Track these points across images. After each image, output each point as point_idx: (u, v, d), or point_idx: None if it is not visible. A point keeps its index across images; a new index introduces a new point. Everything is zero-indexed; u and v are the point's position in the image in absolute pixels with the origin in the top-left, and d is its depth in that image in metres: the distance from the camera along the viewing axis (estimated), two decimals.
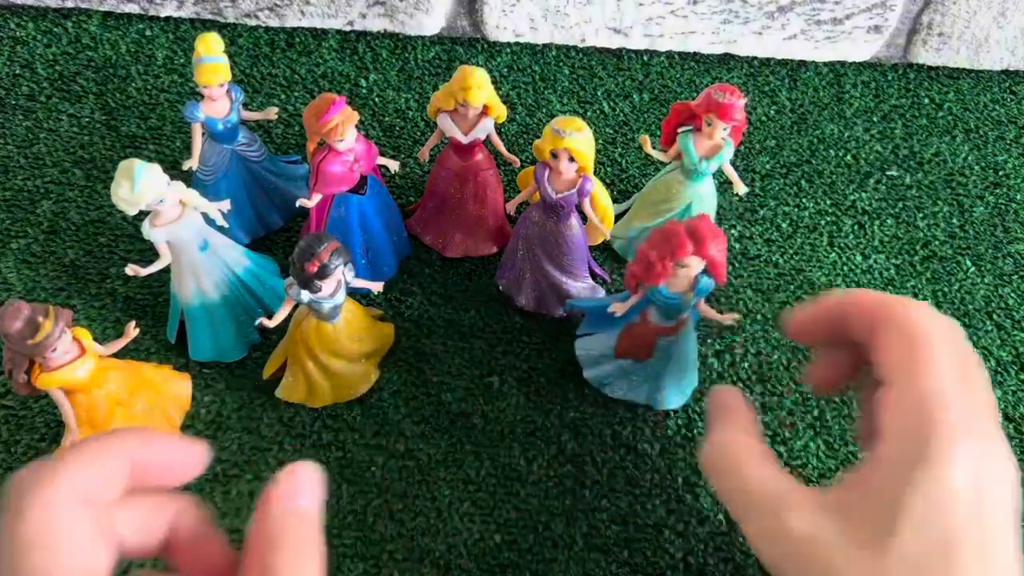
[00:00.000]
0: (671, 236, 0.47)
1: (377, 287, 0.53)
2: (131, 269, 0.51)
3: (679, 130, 0.59)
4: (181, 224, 0.50)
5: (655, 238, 0.48)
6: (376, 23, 0.78)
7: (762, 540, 0.29)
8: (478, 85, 0.55)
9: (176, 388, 0.54)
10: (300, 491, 0.29)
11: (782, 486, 0.29)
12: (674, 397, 0.56)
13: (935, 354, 0.29)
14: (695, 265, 0.48)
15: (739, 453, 0.32)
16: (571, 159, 0.52)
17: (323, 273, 0.46)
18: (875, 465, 0.28)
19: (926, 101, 0.80)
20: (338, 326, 0.52)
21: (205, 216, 0.52)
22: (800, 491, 0.29)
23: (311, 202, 0.56)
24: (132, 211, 0.47)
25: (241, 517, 0.50)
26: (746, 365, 0.60)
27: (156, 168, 0.47)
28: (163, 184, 0.47)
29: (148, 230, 0.50)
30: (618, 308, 0.52)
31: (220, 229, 0.54)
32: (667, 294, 0.50)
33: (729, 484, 0.31)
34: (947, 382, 0.28)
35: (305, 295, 0.47)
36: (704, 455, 0.37)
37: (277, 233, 0.64)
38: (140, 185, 0.45)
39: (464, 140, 0.58)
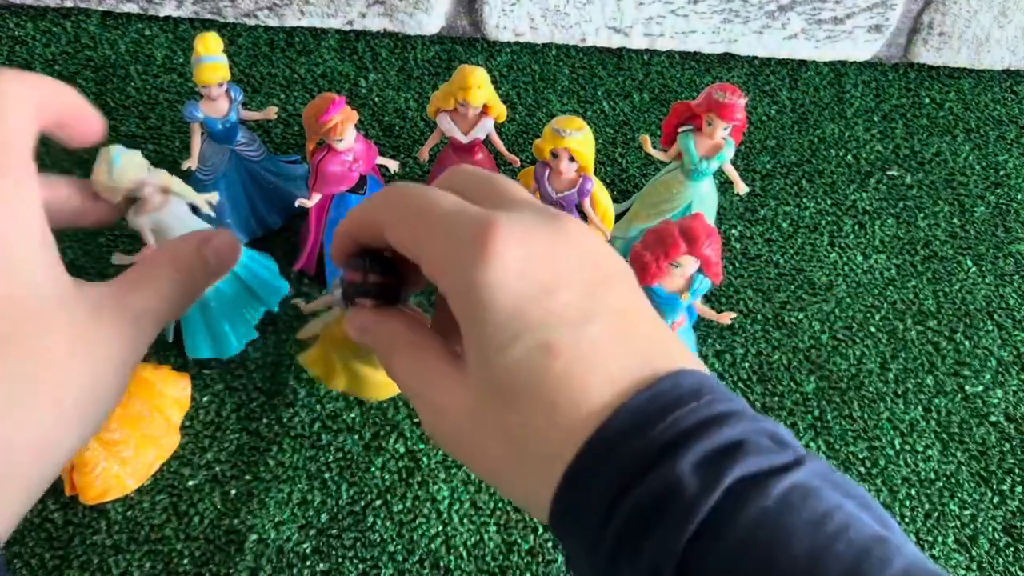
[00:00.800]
0: (665, 236, 0.47)
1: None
2: (117, 257, 0.51)
3: (679, 130, 0.59)
4: (165, 212, 0.50)
5: (649, 238, 0.48)
6: (375, 22, 0.78)
7: (425, 422, 0.28)
8: (478, 85, 0.55)
9: (174, 389, 0.54)
10: None
11: (435, 361, 0.28)
12: None
13: (427, 201, 0.27)
14: (689, 264, 0.48)
15: (405, 350, 0.29)
16: (571, 159, 0.52)
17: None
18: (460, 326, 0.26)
19: (927, 101, 0.80)
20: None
21: (194, 208, 0.52)
22: (446, 366, 0.27)
23: (310, 202, 0.56)
24: (115, 198, 0.46)
25: (240, 517, 0.50)
26: (746, 365, 0.59)
27: (136, 154, 0.47)
28: (142, 169, 0.47)
29: (132, 218, 0.49)
30: None
31: (211, 221, 0.54)
32: (663, 294, 0.50)
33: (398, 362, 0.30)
34: (450, 209, 0.26)
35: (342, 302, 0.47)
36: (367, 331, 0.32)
37: (276, 233, 0.64)
38: (117, 171, 0.45)
39: (464, 140, 0.58)
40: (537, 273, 0.25)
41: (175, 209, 0.50)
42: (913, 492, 0.55)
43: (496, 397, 0.24)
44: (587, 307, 0.25)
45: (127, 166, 0.46)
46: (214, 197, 0.52)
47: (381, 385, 0.55)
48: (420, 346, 0.28)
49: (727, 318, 0.52)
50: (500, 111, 0.58)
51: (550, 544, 0.51)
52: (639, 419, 0.23)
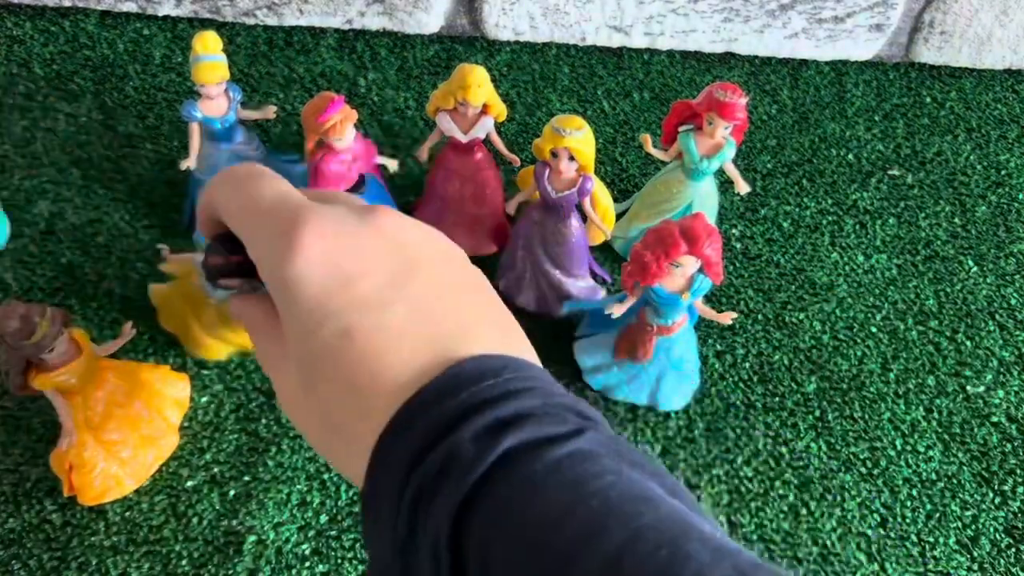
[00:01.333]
0: (665, 236, 0.47)
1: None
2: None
3: (680, 129, 0.58)
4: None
5: (649, 238, 0.48)
6: (375, 21, 0.78)
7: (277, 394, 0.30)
8: (478, 84, 0.54)
9: (174, 389, 0.54)
10: None
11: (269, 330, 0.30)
12: (675, 398, 0.56)
13: (253, 192, 0.27)
14: (690, 264, 0.47)
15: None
16: (571, 158, 0.52)
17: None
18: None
19: (928, 100, 0.80)
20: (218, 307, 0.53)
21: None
22: (277, 352, 0.29)
23: None
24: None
25: (239, 518, 0.50)
26: (747, 365, 0.59)
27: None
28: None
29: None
30: (615, 309, 0.52)
31: None
32: (664, 294, 0.50)
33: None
34: (262, 205, 0.27)
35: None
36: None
37: None
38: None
39: (464, 139, 0.58)
40: (342, 264, 0.26)
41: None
42: (914, 493, 0.54)
43: (307, 380, 0.26)
44: (388, 295, 0.26)
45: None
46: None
47: (211, 347, 0.56)
48: (267, 331, 0.29)
49: (728, 318, 0.52)
50: (500, 110, 0.57)
51: None
52: (436, 396, 0.24)
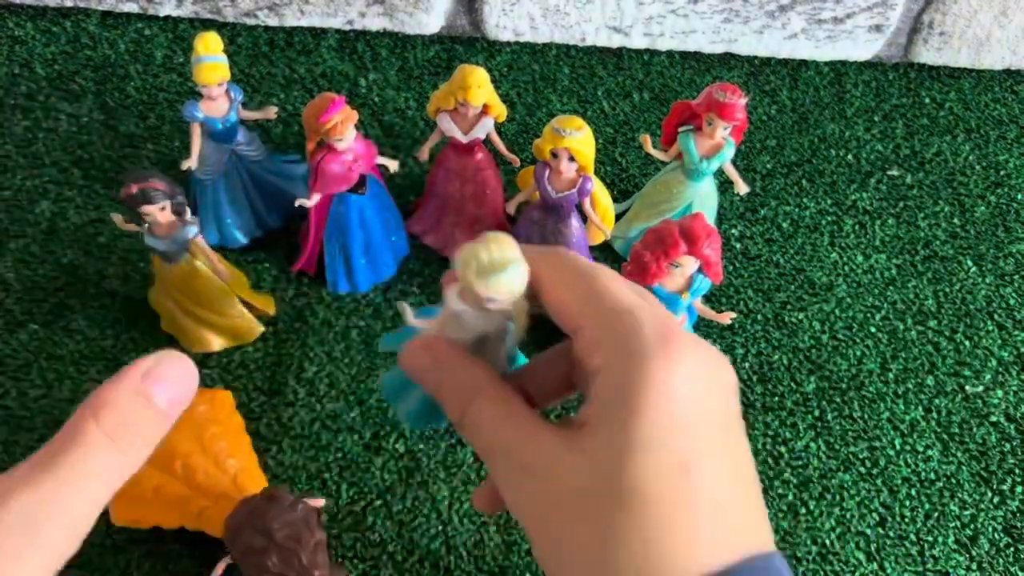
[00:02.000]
0: (665, 236, 0.47)
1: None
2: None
3: (680, 129, 0.59)
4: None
5: (649, 238, 0.48)
6: (375, 22, 0.78)
7: (505, 482, 0.26)
8: (478, 84, 0.55)
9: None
10: (161, 379, 0.24)
11: (527, 418, 0.27)
12: None
13: (606, 284, 0.26)
14: (689, 264, 0.48)
15: (499, 411, 0.27)
16: (571, 158, 0.52)
17: (131, 202, 0.48)
18: (594, 402, 0.25)
19: (927, 101, 0.80)
20: (172, 272, 0.53)
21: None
22: (542, 426, 0.26)
23: (310, 202, 0.56)
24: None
25: None
26: (746, 365, 0.59)
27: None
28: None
29: (452, 298, 0.41)
30: None
31: (218, 222, 0.53)
32: (663, 294, 0.50)
33: (483, 439, 0.27)
34: (630, 301, 0.26)
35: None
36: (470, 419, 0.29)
37: (276, 233, 0.64)
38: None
39: (464, 139, 0.58)
40: (696, 391, 0.25)
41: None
42: (913, 492, 0.55)
43: (613, 493, 0.24)
44: (721, 447, 0.25)
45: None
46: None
47: (194, 336, 0.56)
48: (510, 400, 0.27)
49: (727, 318, 0.52)
50: (500, 111, 0.58)
51: None
52: None
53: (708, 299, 0.62)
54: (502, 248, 0.31)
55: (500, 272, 0.31)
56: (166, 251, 0.52)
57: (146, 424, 0.24)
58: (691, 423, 0.24)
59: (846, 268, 0.66)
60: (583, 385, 0.27)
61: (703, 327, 0.60)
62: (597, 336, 0.26)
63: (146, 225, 0.50)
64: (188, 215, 0.51)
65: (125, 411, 0.23)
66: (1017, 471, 0.56)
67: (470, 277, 0.31)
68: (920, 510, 0.54)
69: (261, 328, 0.58)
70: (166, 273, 0.53)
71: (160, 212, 0.49)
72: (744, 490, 0.25)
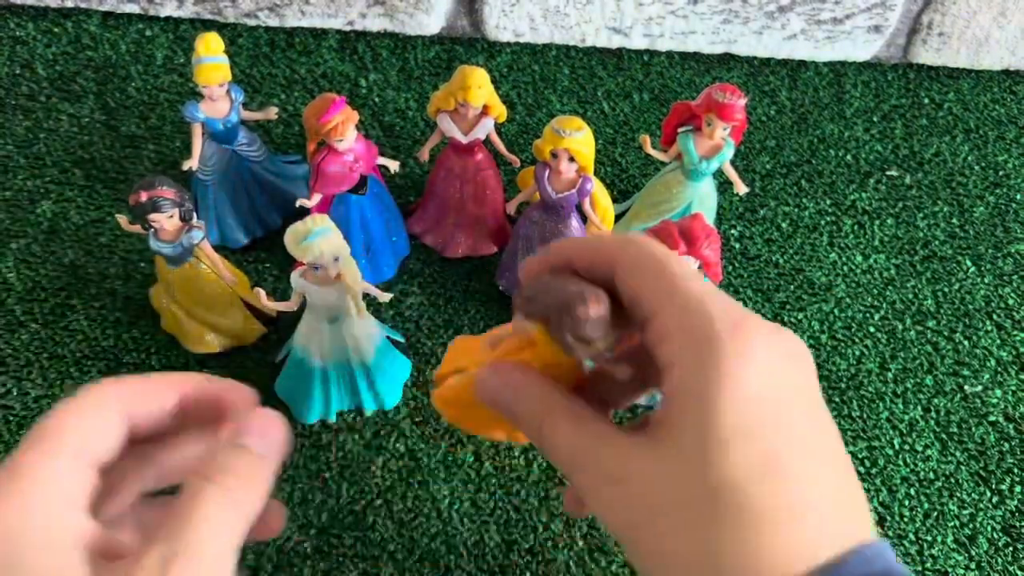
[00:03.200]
0: (663, 236, 0.47)
1: (384, 296, 0.52)
2: (260, 293, 0.50)
3: (679, 130, 0.59)
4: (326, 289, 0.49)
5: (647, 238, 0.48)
6: (376, 23, 0.78)
7: (591, 493, 0.26)
8: (478, 85, 0.55)
9: None
10: (258, 432, 0.29)
11: (603, 428, 0.27)
12: None
13: (677, 268, 0.26)
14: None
15: (574, 423, 0.27)
16: (571, 159, 0.52)
17: (140, 211, 0.49)
18: (669, 401, 0.25)
19: (926, 101, 0.80)
20: (176, 275, 0.53)
21: (367, 295, 0.51)
22: (618, 435, 0.26)
23: (311, 202, 0.56)
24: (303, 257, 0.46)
25: None
26: None
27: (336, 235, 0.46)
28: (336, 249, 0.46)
29: (295, 278, 0.49)
30: None
31: (218, 222, 0.52)
32: None
33: (560, 453, 0.27)
34: (701, 291, 0.25)
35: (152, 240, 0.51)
36: (545, 435, 0.30)
37: (277, 233, 0.64)
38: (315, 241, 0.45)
39: (464, 140, 0.58)
40: (773, 382, 0.24)
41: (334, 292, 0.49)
42: (912, 492, 0.55)
43: (706, 499, 0.23)
44: (808, 436, 0.24)
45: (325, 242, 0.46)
46: (385, 297, 0.52)
47: (195, 336, 0.56)
48: (583, 412, 0.27)
49: None
50: (500, 111, 0.58)
51: (550, 543, 0.51)
52: None
53: None
54: (315, 220, 0.45)
55: (310, 237, 0.44)
56: (171, 255, 0.52)
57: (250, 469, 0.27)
58: (772, 416, 0.24)
59: (845, 268, 0.66)
60: (656, 379, 0.27)
61: None
62: (668, 327, 0.25)
63: (152, 229, 0.50)
64: (195, 220, 0.51)
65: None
66: (1016, 471, 0.56)
67: (292, 248, 0.44)
68: (919, 509, 0.54)
69: (262, 329, 0.58)
70: (168, 275, 0.53)
71: (168, 220, 0.49)
72: (838, 478, 0.24)
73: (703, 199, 0.61)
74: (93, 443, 0.27)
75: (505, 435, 0.47)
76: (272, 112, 0.61)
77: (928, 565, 0.52)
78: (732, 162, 0.59)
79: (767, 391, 0.24)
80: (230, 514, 0.26)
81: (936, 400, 0.59)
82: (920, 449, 0.57)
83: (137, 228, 0.51)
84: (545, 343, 0.30)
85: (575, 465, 0.27)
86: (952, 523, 0.54)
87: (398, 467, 0.53)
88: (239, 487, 0.26)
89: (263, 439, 0.29)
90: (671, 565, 0.24)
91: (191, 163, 0.58)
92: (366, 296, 0.51)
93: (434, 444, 0.54)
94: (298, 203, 0.56)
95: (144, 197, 0.48)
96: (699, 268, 0.48)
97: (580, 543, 0.51)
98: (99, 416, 0.27)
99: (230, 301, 0.55)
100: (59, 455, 0.25)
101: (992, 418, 0.59)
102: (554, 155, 0.53)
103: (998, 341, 0.63)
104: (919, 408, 0.59)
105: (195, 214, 0.51)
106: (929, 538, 0.53)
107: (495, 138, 0.60)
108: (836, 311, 0.63)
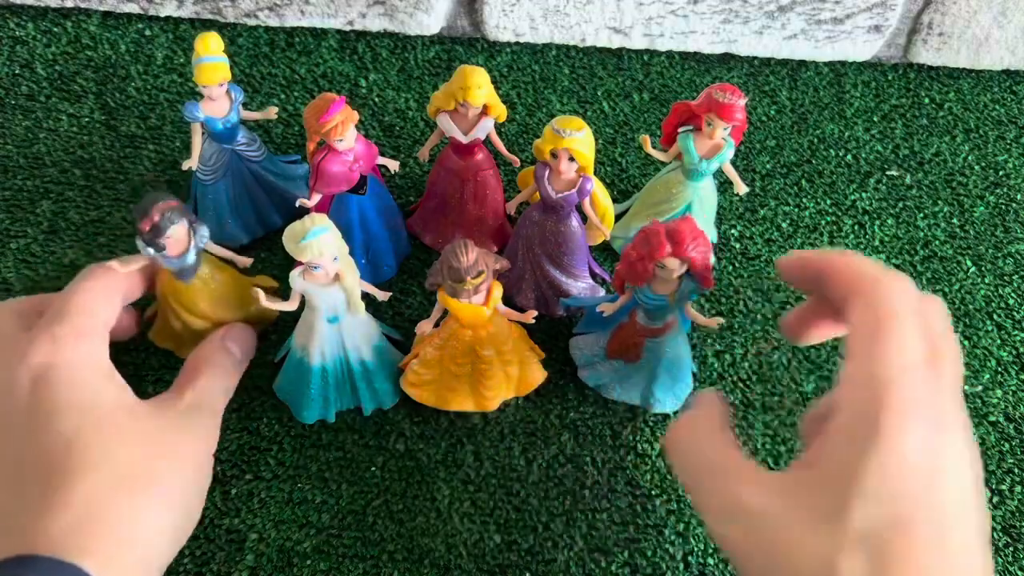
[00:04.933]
0: (651, 237, 0.47)
1: (383, 296, 0.52)
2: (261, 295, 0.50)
3: (679, 130, 0.59)
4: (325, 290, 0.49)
5: (638, 239, 0.48)
6: (376, 23, 0.78)
7: (714, 516, 0.28)
8: (478, 85, 0.55)
9: None
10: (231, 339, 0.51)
11: (737, 462, 0.28)
12: (667, 400, 0.55)
13: (898, 332, 0.28)
14: (675, 266, 0.47)
15: (697, 428, 0.31)
16: (571, 159, 0.52)
17: (156, 233, 0.46)
18: (826, 440, 0.27)
19: (926, 101, 0.80)
20: (194, 287, 0.51)
21: (366, 295, 0.51)
22: (754, 468, 0.28)
23: (311, 202, 0.56)
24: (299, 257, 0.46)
25: (241, 516, 0.50)
26: (746, 365, 0.60)
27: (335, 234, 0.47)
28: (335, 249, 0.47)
29: (294, 277, 0.49)
30: (606, 308, 0.52)
31: (217, 221, 0.52)
32: (651, 296, 0.50)
33: (685, 459, 0.30)
34: (907, 360, 0.27)
35: (150, 250, 0.48)
36: (666, 435, 0.36)
37: (277, 233, 0.64)
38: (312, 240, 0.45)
39: (464, 140, 0.58)
40: (928, 462, 0.26)
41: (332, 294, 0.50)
42: None
43: (842, 553, 0.25)
44: (962, 514, 0.26)
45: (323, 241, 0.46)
46: (384, 295, 0.52)
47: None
48: (722, 429, 0.30)
49: (715, 323, 0.51)
50: (500, 111, 0.58)
51: (550, 543, 0.51)
52: None
53: (708, 299, 0.63)
54: (313, 219, 0.46)
55: (309, 236, 0.45)
56: (186, 266, 0.50)
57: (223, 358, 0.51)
58: (910, 492, 0.25)
59: None
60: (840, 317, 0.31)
61: (701, 328, 0.60)
62: (857, 379, 0.27)
63: (161, 253, 0.48)
64: (196, 221, 0.50)
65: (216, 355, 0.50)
66: (1016, 471, 0.56)
67: (291, 247, 0.46)
68: None
69: (262, 328, 0.58)
70: (183, 296, 0.52)
71: (181, 229, 0.48)
72: (966, 562, 0.25)
73: (703, 199, 0.61)
74: (109, 318, 0.45)
75: (473, 404, 0.52)
76: (272, 112, 0.61)
77: None
78: (732, 162, 0.59)
79: (915, 472, 0.25)
80: (219, 383, 0.49)
81: None
82: None
83: (145, 261, 0.49)
84: (447, 299, 0.47)
85: (700, 477, 0.30)
86: None
87: (398, 467, 0.53)
88: (223, 374, 0.50)
89: (239, 346, 0.52)
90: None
91: (191, 163, 0.58)
92: (365, 296, 0.51)
93: (434, 444, 0.54)
94: (298, 203, 0.56)
95: (157, 216, 0.46)
96: (687, 269, 0.48)
97: (580, 543, 0.51)
98: (111, 299, 0.46)
99: (245, 292, 0.55)
100: (93, 333, 0.43)
101: (992, 418, 0.59)
102: (554, 155, 0.52)
103: (998, 341, 0.63)
104: None
105: (195, 215, 0.51)
106: None
107: (495, 138, 0.59)
108: None
